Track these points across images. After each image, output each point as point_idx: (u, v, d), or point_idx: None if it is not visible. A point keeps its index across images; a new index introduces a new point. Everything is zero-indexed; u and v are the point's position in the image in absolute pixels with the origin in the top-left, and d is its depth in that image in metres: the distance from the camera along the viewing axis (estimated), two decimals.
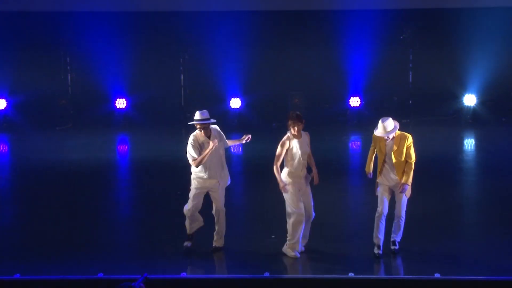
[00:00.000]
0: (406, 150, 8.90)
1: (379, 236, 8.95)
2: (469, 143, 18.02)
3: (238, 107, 20.11)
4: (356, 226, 9.92)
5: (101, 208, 11.35)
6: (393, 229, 9.08)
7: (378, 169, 8.98)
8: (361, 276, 8.31)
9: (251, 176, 13.93)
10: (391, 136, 8.87)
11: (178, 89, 20.45)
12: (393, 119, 9.01)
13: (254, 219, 10.63)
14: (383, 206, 8.93)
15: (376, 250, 8.95)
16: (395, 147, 8.87)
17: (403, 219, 8.98)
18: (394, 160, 8.86)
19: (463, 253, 9.04)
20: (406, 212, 8.90)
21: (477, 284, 7.84)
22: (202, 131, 9.08)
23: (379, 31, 19.82)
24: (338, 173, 11.80)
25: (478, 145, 17.65)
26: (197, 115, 9.10)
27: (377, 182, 9.06)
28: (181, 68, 20.69)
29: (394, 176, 8.91)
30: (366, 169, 9.23)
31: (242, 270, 8.42)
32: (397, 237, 9.03)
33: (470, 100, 19.94)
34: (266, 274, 8.18)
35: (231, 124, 19.48)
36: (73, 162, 14.93)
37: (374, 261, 8.91)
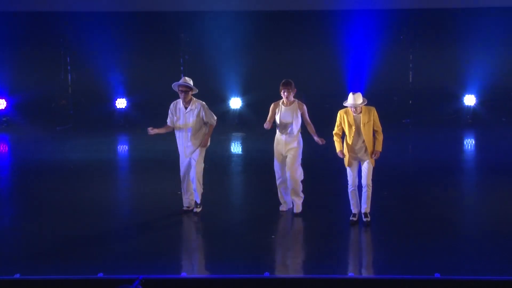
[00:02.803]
0: (374, 121, 9.66)
1: (357, 207, 9.94)
2: (469, 143, 18.02)
3: (238, 107, 20.12)
4: (357, 226, 9.91)
5: (101, 207, 11.34)
6: (362, 199, 9.86)
7: (349, 144, 9.67)
8: (361, 276, 8.31)
9: (251, 176, 13.93)
10: (358, 110, 9.59)
11: None
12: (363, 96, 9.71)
13: (254, 219, 10.62)
14: (354, 179, 9.82)
15: (352, 218, 9.94)
16: (365, 119, 9.61)
17: (371, 187, 9.79)
18: (364, 131, 9.60)
19: (463, 253, 9.04)
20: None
21: (477, 284, 7.83)
22: (183, 94, 10.02)
23: (379, 31, 19.83)
24: (339, 172, 11.74)
25: (478, 145, 17.65)
26: (181, 80, 10.14)
27: (349, 158, 9.74)
28: (181, 68, 20.70)
29: (361, 148, 9.67)
30: (338, 149, 9.80)
31: (242, 270, 8.41)
32: (368, 208, 9.85)
33: (470, 100, 19.94)
34: (266, 274, 8.17)
35: (231, 124, 19.49)
36: (73, 162, 14.93)
37: (374, 261, 8.92)
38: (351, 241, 9.48)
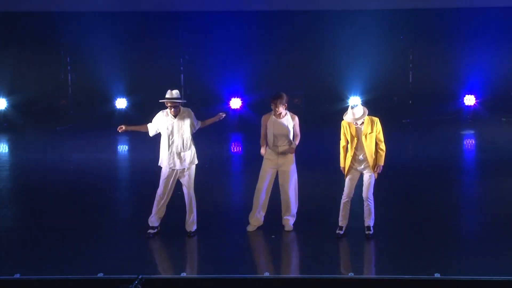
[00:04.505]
0: (377, 133, 9.29)
1: (345, 220, 9.52)
2: (469, 143, 18.02)
3: (238, 107, 20.12)
4: (356, 226, 9.90)
5: (101, 208, 11.35)
6: (365, 214, 9.47)
7: (350, 156, 9.32)
8: (361, 276, 8.31)
9: (251, 176, 13.91)
10: (359, 122, 9.21)
11: (178, 89, 20.42)
12: (362, 105, 9.36)
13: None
14: (350, 191, 9.44)
15: (338, 231, 9.51)
16: (367, 130, 9.24)
17: (372, 201, 9.41)
18: (365, 143, 9.22)
19: (463, 253, 9.04)
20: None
21: (477, 284, 7.84)
22: (172, 109, 9.60)
23: (379, 31, 19.82)
24: (337, 173, 11.71)
25: (478, 145, 17.65)
26: (167, 94, 9.73)
27: (348, 169, 9.39)
28: (181, 68, 20.70)
29: (363, 160, 9.30)
30: (342, 165, 9.47)
31: (242, 270, 8.41)
32: (370, 221, 9.45)
33: (470, 100, 19.94)
34: (266, 274, 8.18)
35: (231, 124, 19.48)
36: (73, 162, 14.93)
37: (374, 261, 8.92)
38: (351, 241, 9.46)
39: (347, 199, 9.48)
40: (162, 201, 9.64)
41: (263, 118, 9.78)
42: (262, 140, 9.78)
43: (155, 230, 9.69)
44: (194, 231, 9.69)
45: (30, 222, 10.52)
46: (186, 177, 9.63)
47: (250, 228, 9.90)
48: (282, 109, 9.62)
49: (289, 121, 9.68)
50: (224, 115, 9.93)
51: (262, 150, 9.77)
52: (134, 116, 19.95)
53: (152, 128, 9.77)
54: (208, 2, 20.01)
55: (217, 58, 20.05)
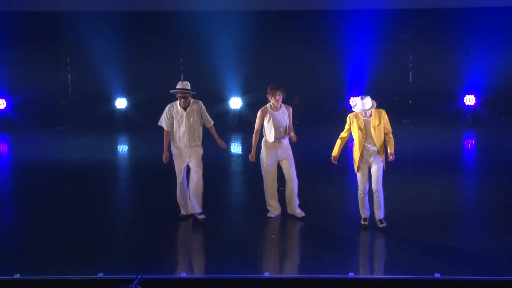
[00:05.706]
0: (385, 123, 9.49)
1: (366, 212, 9.70)
2: (469, 143, 18.02)
3: (238, 107, 20.11)
4: (356, 225, 9.91)
5: (101, 208, 11.35)
6: (375, 206, 9.63)
7: (359, 149, 9.45)
8: (361, 276, 8.31)
9: (251, 176, 13.91)
10: (368, 113, 9.38)
11: None
12: (372, 98, 9.45)
13: (254, 219, 10.61)
14: (366, 184, 9.57)
15: (363, 222, 9.69)
16: (376, 122, 9.42)
17: (382, 193, 9.56)
18: (374, 134, 9.41)
19: (463, 253, 9.04)
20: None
21: (477, 284, 7.84)
22: (182, 100, 9.85)
23: (379, 31, 19.83)
24: (337, 173, 11.75)
25: (478, 145, 17.65)
26: (178, 84, 9.96)
27: (359, 162, 9.49)
28: (181, 68, 20.70)
29: (372, 152, 9.46)
30: (334, 153, 9.61)
31: (242, 270, 8.41)
32: (381, 213, 9.59)
33: (470, 100, 19.95)
34: (266, 274, 8.18)
35: (231, 124, 19.48)
36: (73, 162, 14.93)
37: (374, 261, 8.93)
38: (351, 241, 9.47)
39: (363, 194, 9.69)
40: (179, 189, 10.12)
41: (260, 113, 9.94)
42: (255, 138, 9.98)
43: (183, 214, 10.20)
44: (200, 212, 10.01)
45: (30, 222, 10.52)
46: (195, 164, 9.90)
47: (270, 214, 10.29)
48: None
49: (285, 112, 9.94)
50: (224, 146, 10.28)
51: (251, 155, 10.02)
52: (134, 116, 19.95)
53: (168, 124, 9.97)
54: (208, 2, 19.99)
55: (217, 58, 20.04)
